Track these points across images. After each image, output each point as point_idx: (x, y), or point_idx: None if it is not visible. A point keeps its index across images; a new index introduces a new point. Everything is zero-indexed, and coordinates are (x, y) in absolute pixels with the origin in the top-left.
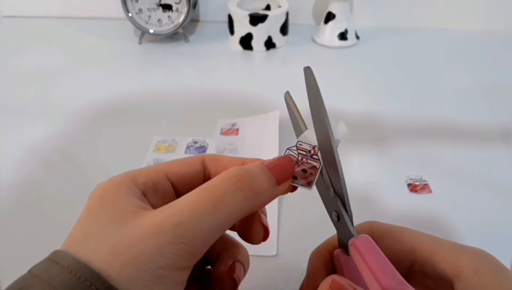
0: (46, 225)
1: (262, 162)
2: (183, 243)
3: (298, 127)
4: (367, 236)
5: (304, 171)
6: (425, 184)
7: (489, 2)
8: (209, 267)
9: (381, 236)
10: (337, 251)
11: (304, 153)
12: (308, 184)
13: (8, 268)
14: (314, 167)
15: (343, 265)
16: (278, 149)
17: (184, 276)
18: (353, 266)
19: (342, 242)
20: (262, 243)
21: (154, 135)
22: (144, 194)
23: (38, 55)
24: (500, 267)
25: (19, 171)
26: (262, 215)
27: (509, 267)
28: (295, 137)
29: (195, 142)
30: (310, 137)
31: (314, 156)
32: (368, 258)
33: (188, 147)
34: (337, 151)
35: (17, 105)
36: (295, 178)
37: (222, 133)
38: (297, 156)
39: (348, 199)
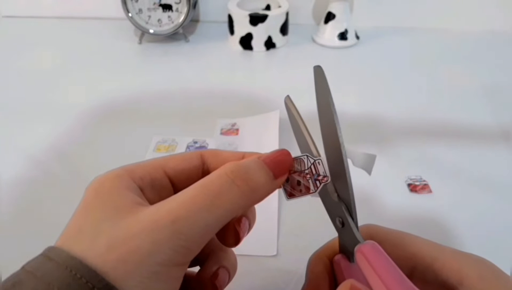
0: (45, 225)
1: (259, 156)
2: (180, 239)
3: (299, 132)
4: (374, 242)
5: (298, 183)
6: (425, 184)
7: (489, 2)
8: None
9: (380, 241)
10: (338, 256)
11: (314, 172)
12: (290, 195)
13: (10, 270)
14: (308, 188)
15: (344, 271)
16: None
17: (180, 272)
18: (355, 272)
19: (344, 248)
20: (262, 242)
21: (154, 135)
22: (142, 189)
23: (38, 55)
24: (502, 275)
25: (18, 171)
26: (243, 220)
27: (509, 270)
28: (296, 140)
29: (195, 142)
30: (326, 165)
31: (317, 182)
32: (376, 265)
33: (188, 147)
34: (346, 156)
35: (17, 105)
36: (286, 180)
37: (222, 133)
38: (306, 167)
39: (355, 206)
